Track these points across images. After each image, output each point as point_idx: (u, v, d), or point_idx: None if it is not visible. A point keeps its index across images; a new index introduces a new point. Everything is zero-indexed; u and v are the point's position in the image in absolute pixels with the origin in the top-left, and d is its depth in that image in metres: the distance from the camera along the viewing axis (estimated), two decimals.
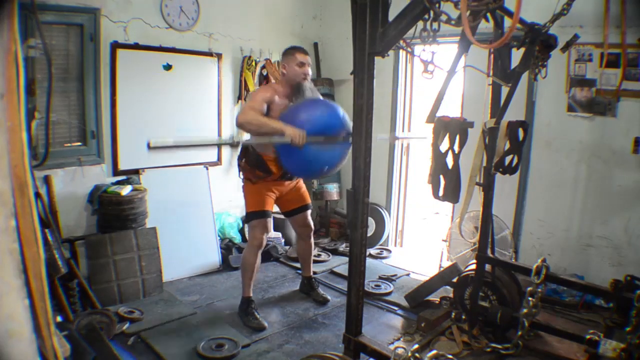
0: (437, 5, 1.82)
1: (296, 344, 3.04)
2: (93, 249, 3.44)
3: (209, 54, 4.39)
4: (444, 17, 1.86)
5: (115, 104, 3.84)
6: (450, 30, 1.94)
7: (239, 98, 4.65)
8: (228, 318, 3.33)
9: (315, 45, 5.33)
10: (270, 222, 3.36)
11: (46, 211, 3.22)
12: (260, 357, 2.87)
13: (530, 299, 2.66)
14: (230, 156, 4.69)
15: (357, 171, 2.16)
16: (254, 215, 3.27)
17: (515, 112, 3.28)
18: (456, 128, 2.15)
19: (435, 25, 1.92)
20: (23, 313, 0.87)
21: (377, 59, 2.06)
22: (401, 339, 3.12)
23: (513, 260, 3.74)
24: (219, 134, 4.60)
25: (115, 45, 3.77)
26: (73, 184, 3.65)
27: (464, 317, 3.10)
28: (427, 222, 6.12)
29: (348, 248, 2.60)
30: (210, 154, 4.56)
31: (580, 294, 3.48)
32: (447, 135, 2.18)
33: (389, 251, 4.84)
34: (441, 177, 2.21)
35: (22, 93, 0.88)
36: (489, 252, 3.05)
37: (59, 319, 2.71)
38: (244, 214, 3.80)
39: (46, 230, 2.67)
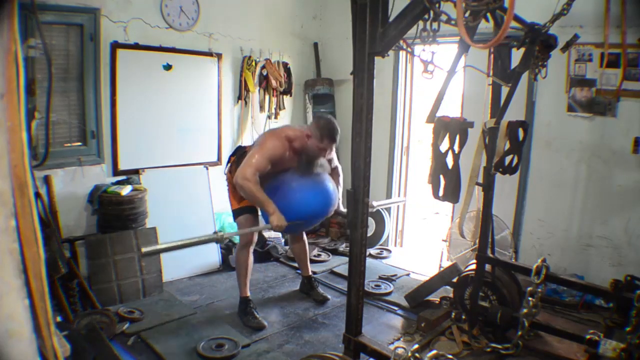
0: (437, 5, 1.81)
1: (296, 344, 3.04)
2: (93, 249, 3.44)
3: (209, 54, 4.40)
4: (443, 17, 1.86)
5: (115, 104, 3.84)
6: (450, 30, 1.93)
7: (239, 98, 4.66)
8: (228, 318, 3.33)
9: (315, 45, 5.33)
10: (258, 218, 3.34)
11: (46, 211, 3.23)
12: (260, 357, 2.87)
13: (530, 299, 2.66)
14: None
15: (357, 171, 2.16)
16: (240, 212, 3.27)
17: (515, 112, 3.28)
18: (456, 128, 2.15)
19: (435, 25, 1.92)
20: (23, 313, 0.87)
21: (377, 59, 2.06)
22: (401, 339, 3.12)
23: (513, 260, 3.74)
24: (219, 134, 4.60)
25: (115, 45, 3.77)
26: (73, 184, 3.65)
27: (464, 317, 3.10)
28: (427, 222, 6.12)
29: (348, 248, 2.60)
30: (210, 154, 4.57)
31: (580, 294, 3.48)
32: (447, 135, 2.18)
33: (389, 251, 4.84)
34: (441, 177, 2.21)
35: (22, 93, 0.88)
36: (489, 252, 3.05)
37: (59, 319, 2.72)
38: None
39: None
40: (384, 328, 3.28)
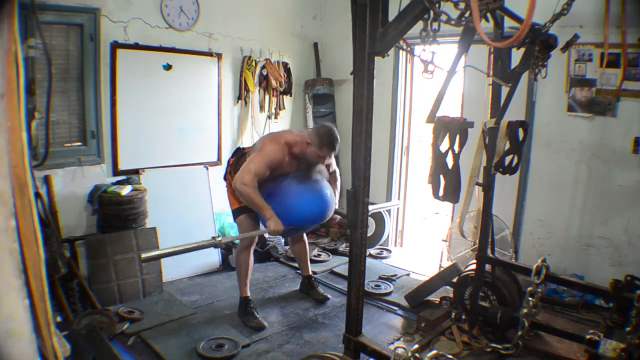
0: (437, 5, 1.81)
1: (296, 344, 3.04)
2: (93, 249, 3.44)
3: (209, 54, 4.40)
4: (444, 17, 1.86)
5: (115, 104, 3.84)
6: (450, 30, 1.93)
7: (239, 98, 4.66)
8: (228, 318, 3.33)
9: (315, 45, 5.33)
10: (258, 217, 3.32)
11: (46, 211, 3.23)
12: (260, 357, 2.87)
13: (530, 299, 2.66)
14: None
15: (357, 171, 2.16)
16: (240, 211, 3.27)
17: (515, 112, 3.28)
18: (456, 128, 2.15)
19: (435, 25, 1.92)
20: (23, 313, 0.87)
21: (377, 59, 2.06)
22: (401, 339, 3.12)
23: (513, 260, 3.75)
24: (219, 134, 4.60)
25: (115, 45, 3.77)
26: (73, 184, 3.65)
27: (464, 317, 3.10)
28: (427, 222, 6.12)
29: (348, 248, 2.60)
30: (210, 154, 4.57)
31: (580, 294, 3.48)
32: (447, 135, 2.18)
33: (389, 251, 4.84)
34: (441, 177, 2.21)
35: (22, 93, 0.88)
36: (489, 252, 3.05)
37: (59, 319, 2.72)
38: None
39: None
40: (384, 328, 3.28)
